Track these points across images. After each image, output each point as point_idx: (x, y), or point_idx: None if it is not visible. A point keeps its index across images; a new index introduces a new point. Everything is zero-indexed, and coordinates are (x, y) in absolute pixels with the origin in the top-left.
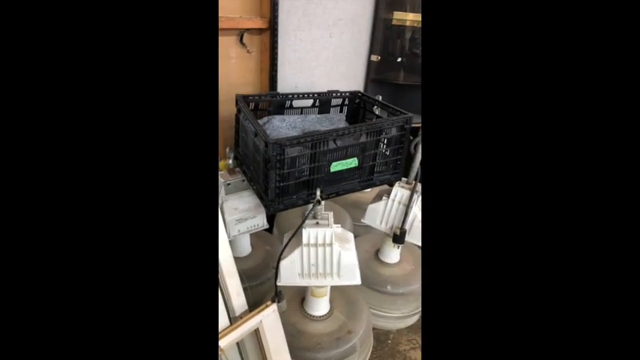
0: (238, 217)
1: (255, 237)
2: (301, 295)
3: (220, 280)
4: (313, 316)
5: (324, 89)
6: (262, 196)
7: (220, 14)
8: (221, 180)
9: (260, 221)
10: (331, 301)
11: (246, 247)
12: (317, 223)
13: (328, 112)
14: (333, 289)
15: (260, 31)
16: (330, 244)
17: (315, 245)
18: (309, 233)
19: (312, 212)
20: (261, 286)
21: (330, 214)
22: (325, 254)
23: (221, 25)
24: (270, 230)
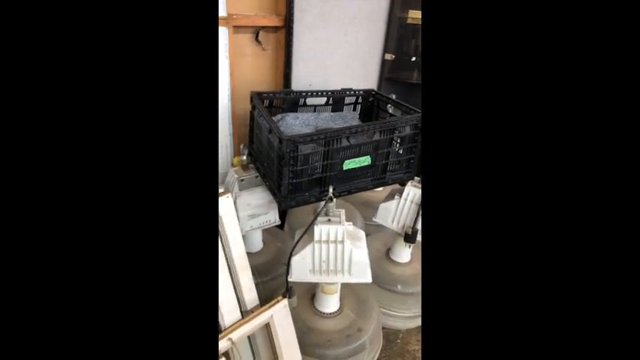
0: (251, 213)
1: (267, 233)
2: (312, 292)
3: (233, 275)
4: (323, 313)
5: (338, 87)
6: (275, 192)
7: (236, 12)
8: (235, 176)
9: (272, 217)
10: (341, 299)
11: (257, 242)
12: (329, 220)
13: (342, 110)
14: (344, 286)
15: (275, 29)
16: (342, 242)
17: (327, 242)
18: (320, 230)
19: (325, 209)
20: (272, 282)
21: (342, 212)
22: (336, 251)
23: (237, 22)
24: (281, 227)
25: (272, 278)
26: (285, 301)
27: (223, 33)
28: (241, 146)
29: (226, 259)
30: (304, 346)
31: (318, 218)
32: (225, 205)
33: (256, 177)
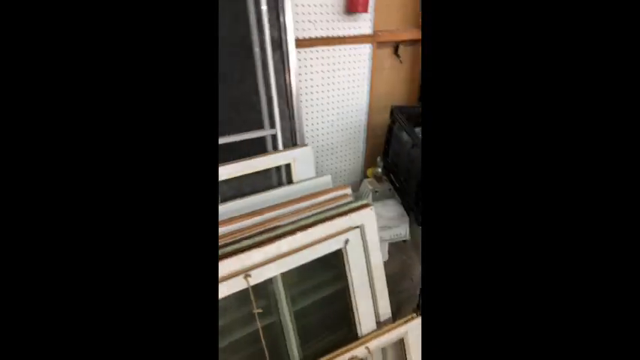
0: (382, 225)
1: (392, 245)
2: None
3: (370, 283)
4: None
5: None
6: (412, 207)
7: (380, 28)
8: (369, 187)
9: (402, 231)
10: None
11: (384, 254)
12: None
13: None
14: None
15: (413, 42)
16: None
17: None
18: None
19: None
20: (398, 294)
21: None
22: None
23: (380, 39)
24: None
25: (398, 291)
26: (420, 319)
27: (369, 49)
28: (378, 158)
29: (367, 267)
30: None
31: None
32: (368, 215)
33: (390, 190)
